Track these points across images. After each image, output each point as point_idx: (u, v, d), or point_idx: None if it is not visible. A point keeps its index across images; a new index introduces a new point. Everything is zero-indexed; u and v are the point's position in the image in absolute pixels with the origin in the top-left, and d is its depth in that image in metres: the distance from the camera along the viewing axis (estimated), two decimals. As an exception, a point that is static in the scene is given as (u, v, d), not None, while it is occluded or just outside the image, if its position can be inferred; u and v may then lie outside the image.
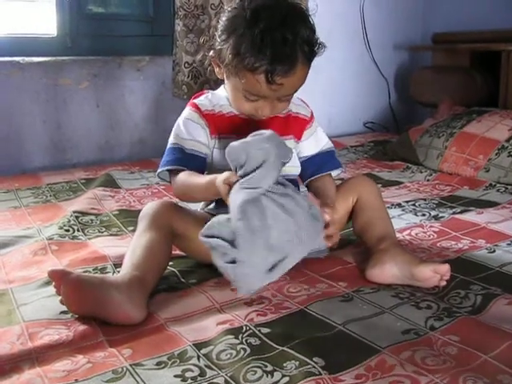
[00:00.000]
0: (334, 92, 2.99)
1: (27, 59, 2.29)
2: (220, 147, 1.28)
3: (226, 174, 1.04)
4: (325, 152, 1.39)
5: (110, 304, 1.02)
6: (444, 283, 1.15)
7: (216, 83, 2.43)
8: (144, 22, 2.60)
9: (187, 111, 1.31)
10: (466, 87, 2.71)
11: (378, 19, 3.08)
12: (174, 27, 2.47)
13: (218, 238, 0.98)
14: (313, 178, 1.37)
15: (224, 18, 1.21)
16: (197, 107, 1.30)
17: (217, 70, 1.28)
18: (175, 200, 1.50)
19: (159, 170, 1.27)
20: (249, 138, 1.03)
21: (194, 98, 1.34)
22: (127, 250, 1.18)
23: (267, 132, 1.03)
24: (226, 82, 1.27)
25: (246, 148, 1.00)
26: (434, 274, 1.14)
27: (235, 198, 0.99)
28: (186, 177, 1.21)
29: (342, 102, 3.06)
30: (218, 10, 2.43)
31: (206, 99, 1.32)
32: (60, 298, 1.07)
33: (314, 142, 1.39)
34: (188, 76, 2.47)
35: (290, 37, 1.12)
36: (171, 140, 1.29)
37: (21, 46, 2.31)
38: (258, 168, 0.99)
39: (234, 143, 1.02)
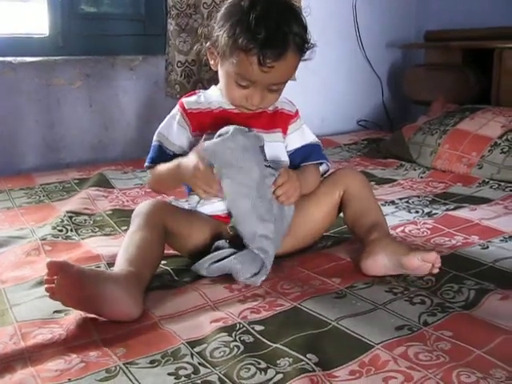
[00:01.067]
0: (327, 90, 2.99)
1: (19, 59, 2.28)
2: None
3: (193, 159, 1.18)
4: (310, 145, 1.41)
5: (107, 298, 1.01)
6: (437, 270, 1.16)
7: (209, 82, 2.43)
8: (136, 22, 2.59)
9: (174, 110, 1.36)
10: (459, 85, 2.72)
11: (371, 17, 3.08)
12: (167, 26, 2.47)
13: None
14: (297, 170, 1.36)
15: (223, 9, 1.27)
16: (182, 106, 1.34)
17: (212, 62, 1.31)
18: (168, 199, 1.54)
19: (145, 166, 1.35)
20: (215, 139, 1.18)
21: (184, 97, 1.37)
22: (120, 248, 1.18)
23: (231, 128, 1.18)
24: (219, 71, 1.30)
25: (213, 149, 1.17)
26: (422, 263, 1.14)
27: None
28: (157, 168, 1.31)
29: (336, 100, 3.06)
30: (211, 9, 2.42)
31: (194, 97, 1.36)
32: (48, 287, 1.04)
33: (299, 136, 1.40)
34: (181, 75, 2.47)
35: (284, 26, 1.19)
36: (155, 137, 1.35)
37: (13, 46, 2.30)
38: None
39: (206, 143, 1.17)
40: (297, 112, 1.41)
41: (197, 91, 1.39)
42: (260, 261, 1.17)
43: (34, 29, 2.40)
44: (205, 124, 1.31)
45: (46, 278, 1.05)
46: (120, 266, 1.11)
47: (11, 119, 2.29)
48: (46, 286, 1.05)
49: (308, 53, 1.27)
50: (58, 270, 1.02)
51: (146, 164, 1.34)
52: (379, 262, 1.18)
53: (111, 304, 1.02)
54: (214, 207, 1.30)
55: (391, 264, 1.17)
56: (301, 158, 1.38)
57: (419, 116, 2.63)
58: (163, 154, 1.32)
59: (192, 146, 1.30)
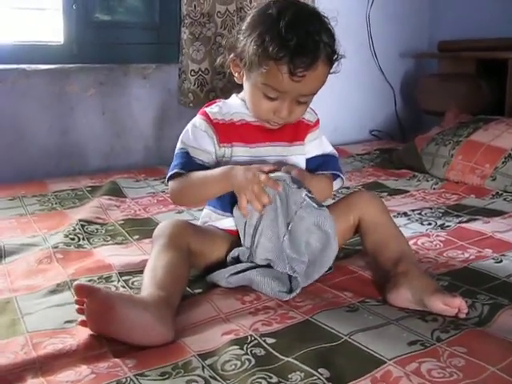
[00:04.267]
0: (340, 100, 2.99)
1: (33, 66, 2.29)
2: (236, 155, 1.29)
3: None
4: (327, 155, 1.39)
5: (140, 326, 0.97)
6: (463, 315, 1.06)
7: (222, 91, 2.43)
8: (150, 30, 2.60)
9: (197, 119, 1.32)
10: (472, 95, 2.71)
11: (384, 27, 3.08)
12: (180, 35, 2.47)
13: None
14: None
15: (248, 18, 1.24)
16: (206, 115, 1.30)
17: (236, 74, 1.29)
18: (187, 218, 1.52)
19: (169, 175, 1.28)
20: (278, 174, 1.19)
21: (206, 107, 1.34)
22: (146, 269, 1.14)
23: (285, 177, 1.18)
24: (244, 84, 1.27)
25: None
26: (446, 307, 1.06)
27: None
28: (187, 175, 1.25)
29: (348, 109, 3.05)
30: (224, 18, 2.44)
31: (216, 107, 1.32)
32: (79, 309, 1.03)
33: (317, 146, 1.38)
34: (194, 84, 2.47)
35: (314, 35, 1.16)
36: (178, 145, 1.31)
37: (27, 54, 2.32)
38: None
39: (274, 174, 1.19)
40: (317, 122, 1.39)
41: (217, 100, 1.36)
42: (286, 278, 1.17)
43: (49, 37, 2.42)
44: (230, 135, 1.28)
45: (76, 299, 1.04)
46: (149, 290, 1.06)
47: (24, 126, 2.31)
48: (77, 307, 1.04)
49: (335, 65, 1.24)
50: (87, 294, 0.99)
51: (174, 171, 1.27)
52: (402, 296, 1.12)
53: (143, 332, 0.98)
54: (225, 223, 1.30)
55: (414, 300, 1.10)
56: (316, 165, 1.36)
57: (432, 126, 2.62)
58: (191, 162, 1.27)
59: (221, 156, 1.29)
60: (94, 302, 0.98)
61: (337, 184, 1.39)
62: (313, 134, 1.38)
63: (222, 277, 1.19)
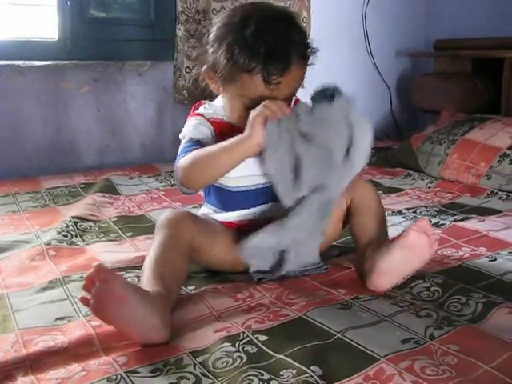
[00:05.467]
0: (335, 98, 2.98)
1: (28, 63, 2.28)
2: None
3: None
4: None
5: (142, 321, 0.95)
6: (436, 244, 1.15)
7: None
8: (145, 27, 2.59)
9: (192, 120, 1.29)
10: (468, 94, 2.71)
11: (380, 26, 3.07)
12: (176, 32, 2.47)
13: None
14: None
15: (213, 29, 1.21)
16: (201, 115, 1.29)
17: (212, 85, 1.26)
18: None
19: (179, 157, 1.22)
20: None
21: (194, 109, 1.32)
22: (147, 262, 1.12)
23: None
24: (222, 94, 1.25)
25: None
26: (419, 234, 1.11)
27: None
28: (198, 150, 1.19)
29: (344, 108, 3.04)
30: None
31: (205, 109, 1.31)
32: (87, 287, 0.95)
33: None
34: (189, 81, 2.46)
35: (282, 37, 1.13)
36: (182, 144, 1.26)
37: (22, 50, 2.31)
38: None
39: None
40: (296, 101, 1.31)
41: (203, 102, 1.34)
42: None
43: (44, 33, 2.41)
44: (225, 132, 1.25)
45: (87, 275, 0.95)
46: (152, 287, 1.04)
47: (19, 123, 2.30)
48: (80, 297, 0.98)
49: (311, 58, 1.21)
50: (105, 277, 0.94)
51: (183, 155, 1.20)
52: (378, 281, 1.14)
53: (145, 328, 0.96)
54: (226, 216, 1.29)
55: (390, 271, 1.12)
56: None
57: (428, 125, 2.62)
58: (202, 143, 1.23)
59: None
60: (109, 287, 0.93)
61: None
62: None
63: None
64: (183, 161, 1.19)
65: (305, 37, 1.20)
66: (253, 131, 1.11)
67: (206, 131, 1.26)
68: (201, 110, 1.31)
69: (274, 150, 1.12)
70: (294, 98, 1.31)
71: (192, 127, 1.27)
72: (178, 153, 1.24)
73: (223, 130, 1.26)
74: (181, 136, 1.29)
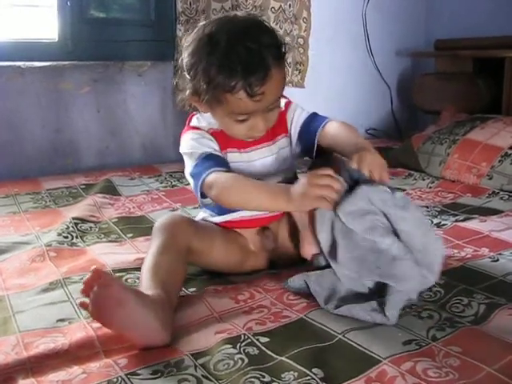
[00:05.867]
0: (336, 98, 2.97)
1: (28, 64, 2.28)
2: (232, 161, 1.27)
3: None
4: (312, 113, 1.34)
5: (143, 324, 0.95)
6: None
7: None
8: (145, 27, 2.59)
9: (192, 134, 1.28)
10: (469, 94, 2.70)
11: (381, 25, 3.07)
12: (176, 32, 2.46)
13: None
14: (319, 139, 1.28)
15: (185, 55, 1.20)
16: (198, 128, 1.28)
17: (200, 108, 1.25)
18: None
19: (201, 181, 1.19)
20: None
21: (189, 123, 1.32)
22: (146, 266, 1.11)
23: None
24: (211, 114, 1.24)
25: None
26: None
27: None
28: (235, 176, 1.18)
29: (344, 108, 3.03)
30: (220, 16, 2.42)
31: (198, 120, 1.30)
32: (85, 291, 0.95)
33: (300, 112, 1.33)
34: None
35: (253, 45, 1.11)
36: (192, 161, 1.24)
37: (22, 51, 2.31)
38: None
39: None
40: (286, 104, 1.33)
41: (194, 113, 1.33)
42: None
43: (44, 34, 2.40)
44: (225, 141, 1.26)
45: (85, 280, 0.95)
46: (152, 290, 1.03)
47: (19, 123, 2.29)
48: (79, 301, 0.98)
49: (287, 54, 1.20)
50: (102, 281, 0.93)
51: (209, 171, 1.18)
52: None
53: (146, 332, 0.96)
54: (224, 216, 1.30)
55: None
56: (308, 123, 1.31)
57: (428, 125, 2.61)
58: (219, 159, 1.23)
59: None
60: (107, 291, 0.93)
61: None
62: (289, 111, 1.33)
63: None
64: (215, 184, 1.17)
65: (275, 36, 1.18)
66: (306, 203, 1.09)
67: (210, 144, 1.26)
68: (195, 122, 1.31)
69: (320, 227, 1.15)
70: (285, 101, 1.32)
71: (195, 142, 1.26)
72: (191, 169, 1.23)
73: (225, 141, 1.27)
74: (183, 151, 1.28)
